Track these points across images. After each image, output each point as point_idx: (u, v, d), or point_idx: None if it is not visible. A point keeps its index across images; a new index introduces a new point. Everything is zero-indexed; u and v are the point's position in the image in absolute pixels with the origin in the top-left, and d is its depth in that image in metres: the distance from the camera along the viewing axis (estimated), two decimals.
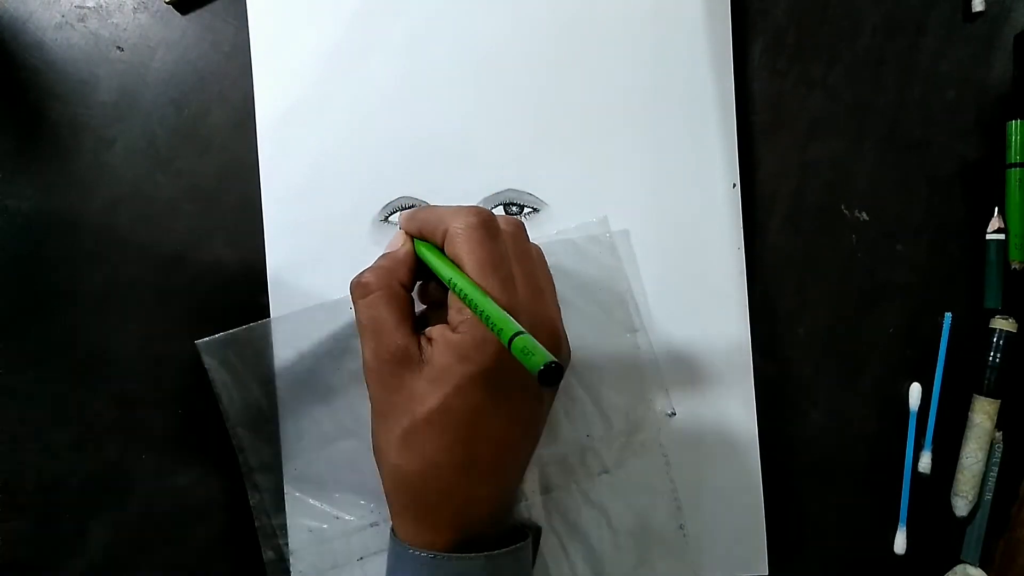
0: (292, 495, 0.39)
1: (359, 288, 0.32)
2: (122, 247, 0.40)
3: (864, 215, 0.43)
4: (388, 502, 0.33)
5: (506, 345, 0.28)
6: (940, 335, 0.42)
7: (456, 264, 0.31)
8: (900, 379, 0.43)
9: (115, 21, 0.40)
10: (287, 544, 0.39)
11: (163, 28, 0.40)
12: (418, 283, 0.35)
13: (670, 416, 0.41)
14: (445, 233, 0.31)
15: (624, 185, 0.41)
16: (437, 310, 0.35)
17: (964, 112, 0.43)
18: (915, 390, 0.42)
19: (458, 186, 0.40)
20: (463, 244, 0.31)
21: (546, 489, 0.40)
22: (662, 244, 0.41)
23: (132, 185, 0.40)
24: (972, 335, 0.43)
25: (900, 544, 0.42)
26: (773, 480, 0.41)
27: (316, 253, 0.39)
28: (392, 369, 0.31)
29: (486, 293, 0.29)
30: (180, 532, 0.39)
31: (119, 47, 0.40)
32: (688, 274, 0.41)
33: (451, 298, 0.31)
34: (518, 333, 0.28)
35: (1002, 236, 0.42)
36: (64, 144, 0.40)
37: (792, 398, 0.42)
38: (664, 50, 0.41)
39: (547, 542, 0.40)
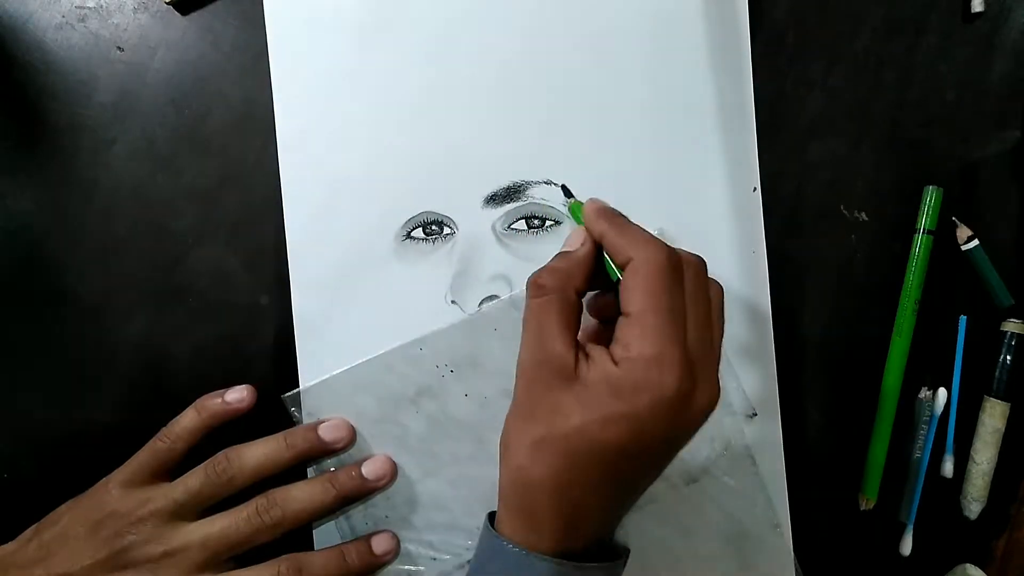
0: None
1: (534, 288, 0.32)
2: (122, 247, 0.40)
3: (864, 215, 0.43)
4: (500, 495, 0.33)
5: None
6: (940, 335, 0.42)
7: (627, 299, 0.31)
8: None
9: (115, 21, 0.40)
10: None
11: (163, 28, 0.40)
12: (592, 294, 0.35)
13: (751, 417, 0.41)
14: (628, 261, 0.31)
15: (643, 195, 0.41)
16: (605, 326, 0.35)
17: (964, 112, 0.43)
18: (941, 395, 0.42)
19: (479, 199, 0.40)
20: (643, 282, 0.30)
21: (636, 506, 0.39)
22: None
23: (132, 185, 0.40)
24: (971, 335, 0.43)
25: (906, 546, 0.42)
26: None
27: (339, 269, 0.40)
28: (543, 375, 0.31)
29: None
30: None
31: (119, 47, 0.40)
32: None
33: (619, 329, 0.31)
34: None
35: (976, 243, 0.41)
36: (64, 144, 0.40)
37: (792, 398, 0.42)
38: (682, 59, 0.41)
39: (638, 560, 0.39)
